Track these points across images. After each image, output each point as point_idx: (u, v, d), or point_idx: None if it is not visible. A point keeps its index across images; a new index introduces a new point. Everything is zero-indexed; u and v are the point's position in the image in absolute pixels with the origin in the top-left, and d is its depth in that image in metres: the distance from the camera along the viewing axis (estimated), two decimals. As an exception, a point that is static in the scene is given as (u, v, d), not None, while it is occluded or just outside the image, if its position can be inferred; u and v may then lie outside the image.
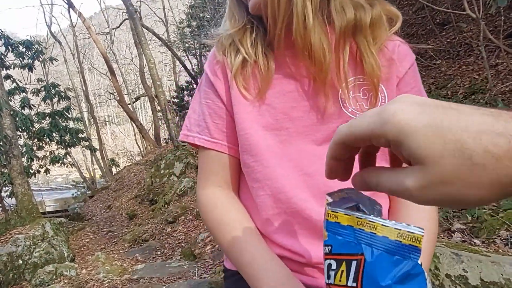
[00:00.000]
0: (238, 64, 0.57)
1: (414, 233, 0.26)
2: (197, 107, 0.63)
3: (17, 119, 6.87)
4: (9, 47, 7.36)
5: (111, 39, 16.26)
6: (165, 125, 8.32)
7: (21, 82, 8.17)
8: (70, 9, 13.09)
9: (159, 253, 3.88)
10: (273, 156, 0.56)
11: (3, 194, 5.82)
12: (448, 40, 4.19)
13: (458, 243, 1.33)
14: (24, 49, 7.67)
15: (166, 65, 17.97)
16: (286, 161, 0.56)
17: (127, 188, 8.27)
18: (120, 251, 4.23)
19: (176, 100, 12.14)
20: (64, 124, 8.30)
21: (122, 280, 3.07)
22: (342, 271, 0.29)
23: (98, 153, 12.90)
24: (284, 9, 0.51)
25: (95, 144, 12.20)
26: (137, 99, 16.73)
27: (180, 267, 3.15)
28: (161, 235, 4.36)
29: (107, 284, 3.01)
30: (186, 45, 10.64)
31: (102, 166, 13.44)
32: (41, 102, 8.90)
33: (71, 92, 11.38)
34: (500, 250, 1.56)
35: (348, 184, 0.55)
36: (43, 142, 8.04)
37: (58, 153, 8.44)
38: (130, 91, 18.03)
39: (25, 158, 7.03)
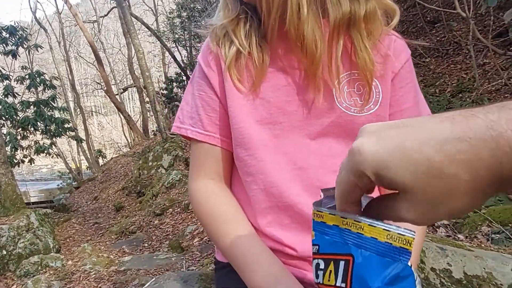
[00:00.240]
0: (232, 55, 0.56)
1: (404, 235, 0.25)
2: (190, 99, 0.62)
3: (0, 107, 6.66)
4: (-8, 32, 7.10)
5: (99, 28, 15.86)
6: (153, 116, 8.22)
7: (4, 70, 7.91)
8: (56, -5, 12.66)
9: (146, 245, 3.87)
10: (267, 150, 0.56)
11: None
12: (438, 39, 4.25)
13: (443, 238, 1.37)
14: (7, 35, 7.41)
15: (155, 56, 17.67)
16: (280, 155, 0.56)
17: (114, 179, 8.17)
18: (107, 242, 4.20)
19: (165, 92, 11.97)
20: (49, 113, 8.09)
21: (109, 271, 3.04)
22: (330, 271, 0.29)
23: (84, 144, 12.66)
24: None
25: (82, 134, 11.97)
26: (125, 89, 16.45)
27: (168, 259, 3.14)
28: (148, 227, 4.33)
29: (94, 275, 2.98)
30: (176, 36, 10.47)
31: (89, 157, 13.22)
32: (25, 91, 8.65)
33: (57, 80, 11.09)
34: (483, 245, 1.61)
35: None
36: (27, 131, 7.84)
37: (43, 143, 8.25)
38: (118, 81, 17.68)
39: (9, 147, 6.84)
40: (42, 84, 8.23)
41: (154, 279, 0.82)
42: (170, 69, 14.53)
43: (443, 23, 4.24)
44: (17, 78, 8.20)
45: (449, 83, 3.50)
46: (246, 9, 0.57)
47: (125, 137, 16.63)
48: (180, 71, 11.19)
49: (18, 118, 7.54)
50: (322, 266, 0.29)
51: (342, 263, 0.28)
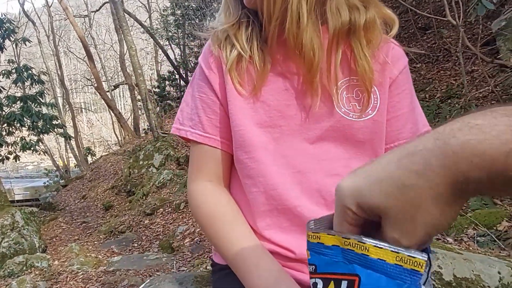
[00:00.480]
0: (233, 58, 0.56)
1: (415, 257, 0.24)
2: (190, 101, 0.62)
3: (-15, 101, 6.49)
4: (-22, 24, 6.91)
5: (90, 23, 15.62)
6: (145, 115, 8.14)
7: (-10, 63, 7.70)
8: (46, -12, 12.43)
9: (136, 245, 3.82)
10: (267, 153, 0.56)
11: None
12: (429, 45, 4.33)
13: (434, 241, 1.40)
14: (-6, 28, 7.22)
15: (148, 53, 17.50)
16: (279, 158, 0.56)
17: (103, 178, 8.06)
18: (95, 242, 4.13)
19: (157, 90, 11.87)
20: (37, 109, 7.91)
21: (97, 272, 3.00)
22: None
23: (73, 141, 12.43)
24: (279, 6, 0.51)
25: (70, 131, 11.73)
26: (116, 86, 16.21)
27: (158, 260, 3.12)
28: (138, 227, 4.29)
29: (82, 276, 2.94)
30: (170, 33, 10.40)
31: (77, 154, 12.98)
32: (11, 85, 8.44)
33: (45, 76, 10.85)
34: (471, 248, 1.65)
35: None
36: (13, 127, 7.64)
37: (30, 140, 8.06)
38: (109, 78, 17.42)
39: (-6, 143, 6.67)
40: (29, 79, 8.04)
41: (148, 280, 0.81)
42: (162, 67, 14.41)
43: (434, 30, 4.33)
44: (3, 72, 7.99)
45: (439, 89, 3.58)
46: (247, 13, 0.58)
47: (116, 135, 16.39)
48: (173, 69, 11.10)
49: (3, 113, 7.35)
50: (320, 285, 0.29)
51: (344, 283, 0.27)
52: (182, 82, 11.21)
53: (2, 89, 7.75)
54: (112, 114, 13.75)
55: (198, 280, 0.74)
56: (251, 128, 0.56)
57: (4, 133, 7.52)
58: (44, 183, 11.80)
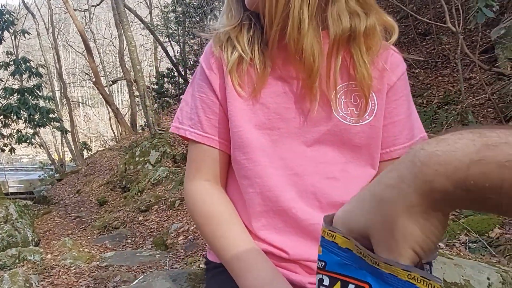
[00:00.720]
0: (234, 60, 0.57)
1: (430, 280, 0.24)
2: (190, 100, 0.62)
3: (-18, 93, 6.43)
4: (-24, 14, 6.85)
5: (90, 17, 15.53)
6: (142, 111, 8.11)
7: (-12, 54, 7.63)
8: (47, -19, 12.35)
9: (129, 241, 3.82)
10: (264, 155, 0.57)
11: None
12: (428, 51, 4.36)
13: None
14: (-7, 19, 7.16)
15: (147, 50, 17.44)
16: (277, 160, 0.57)
17: (99, 173, 8.02)
18: (89, 237, 4.12)
19: (155, 87, 11.83)
20: (34, 102, 7.86)
21: (90, 267, 2.99)
22: None
23: (69, 135, 12.36)
24: (281, 11, 0.51)
25: (67, 125, 11.67)
26: (114, 82, 16.15)
27: (151, 257, 3.11)
28: (132, 223, 4.28)
29: (74, 270, 2.93)
30: (170, 30, 10.38)
31: (73, 149, 12.92)
32: (9, 77, 8.37)
33: (43, 68, 10.78)
34: (461, 254, 1.67)
35: (341, 188, 0.57)
36: (9, 119, 7.59)
37: (26, 132, 8.01)
38: (108, 73, 17.33)
39: (-11, 135, 6.62)
40: (27, 72, 7.98)
41: (142, 276, 0.82)
42: (162, 64, 14.36)
43: (433, 36, 4.35)
44: (1, 63, 7.93)
45: (436, 95, 3.60)
46: (250, 16, 0.58)
47: (112, 130, 16.33)
48: (172, 66, 11.07)
49: (0, 105, 7.30)
50: (326, 282, 0.29)
51: (352, 286, 0.27)
52: (180, 80, 11.19)
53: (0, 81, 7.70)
54: (109, 109, 13.69)
55: (191, 278, 0.74)
56: (250, 130, 0.57)
57: (0, 125, 7.46)
58: (39, 176, 11.72)
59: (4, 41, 7.79)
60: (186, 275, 0.77)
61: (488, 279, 0.96)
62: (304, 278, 0.56)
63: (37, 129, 8.33)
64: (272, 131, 0.57)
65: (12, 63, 7.94)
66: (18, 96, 7.73)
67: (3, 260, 3.11)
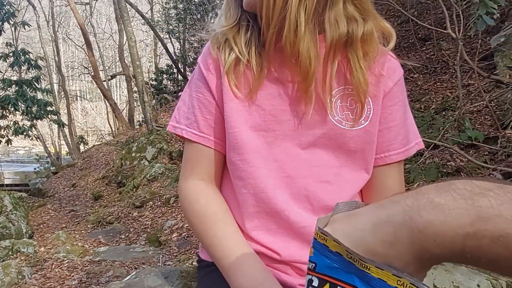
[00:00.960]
0: (231, 61, 0.57)
1: (418, 286, 0.24)
2: (188, 100, 0.62)
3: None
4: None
5: (91, 10, 15.47)
6: (140, 107, 8.08)
7: (-13, 44, 7.58)
8: (49, -28, 12.27)
9: (123, 236, 3.81)
10: (259, 156, 0.57)
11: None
12: (427, 56, 4.37)
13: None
14: (-7, 9, 7.11)
15: (147, 46, 17.37)
16: (271, 162, 0.57)
17: (95, 167, 7.99)
18: (83, 231, 4.11)
19: (154, 83, 11.79)
20: (32, 94, 7.82)
21: (83, 261, 2.98)
22: None
23: (66, 129, 12.30)
24: (277, 13, 0.51)
25: (64, 118, 11.60)
26: (113, 76, 16.08)
27: (145, 253, 3.11)
28: (126, 219, 4.27)
29: (67, 264, 2.92)
30: (170, 27, 10.33)
31: (70, 142, 12.85)
32: (8, 68, 8.32)
33: (42, 61, 10.74)
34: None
35: (334, 192, 0.57)
36: (7, 110, 7.55)
37: (23, 124, 7.97)
38: (107, 67, 17.26)
39: (-15, 126, 6.57)
40: (26, 63, 7.94)
41: (134, 272, 0.82)
42: (161, 61, 14.32)
43: (433, 41, 4.37)
44: (0, 54, 7.88)
45: (434, 100, 3.62)
46: (247, 17, 0.58)
47: (109, 125, 16.25)
48: (171, 63, 11.04)
49: (-2, 96, 7.26)
50: (315, 283, 0.29)
51: None
52: (179, 77, 11.15)
53: (-3, 72, 7.65)
54: (107, 104, 13.63)
55: (183, 275, 0.75)
56: (245, 131, 0.57)
57: (-4, 116, 7.42)
58: (35, 168, 11.66)
59: (4, 32, 7.74)
60: (178, 273, 0.78)
61: (478, 286, 0.97)
62: (294, 280, 0.56)
63: (34, 121, 8.30)
64: (267, 132, 0.57)
65: (11, 54, 7.89)
66: (16, 88, 7.69)
67: (-4, 252, 3.10)
